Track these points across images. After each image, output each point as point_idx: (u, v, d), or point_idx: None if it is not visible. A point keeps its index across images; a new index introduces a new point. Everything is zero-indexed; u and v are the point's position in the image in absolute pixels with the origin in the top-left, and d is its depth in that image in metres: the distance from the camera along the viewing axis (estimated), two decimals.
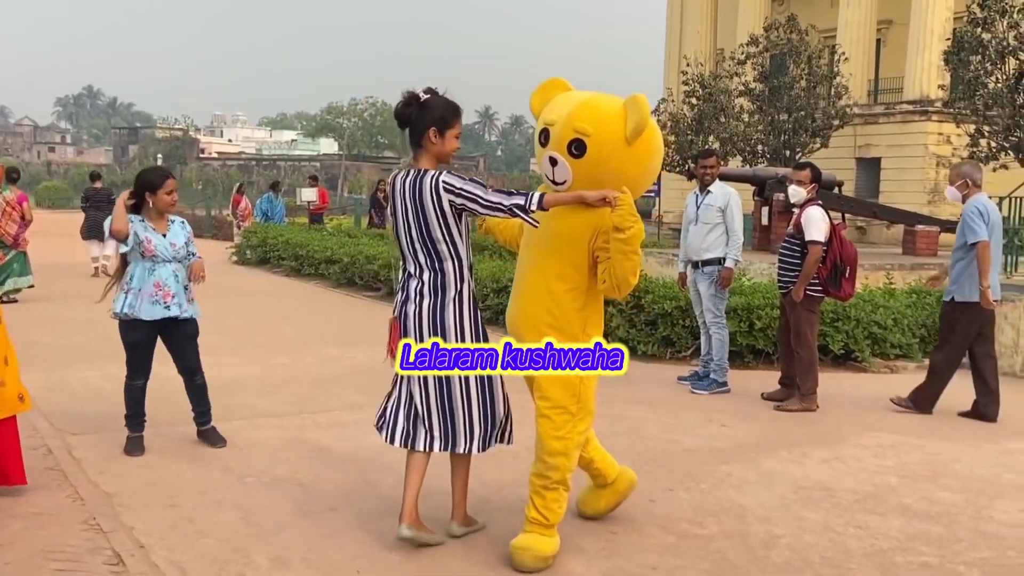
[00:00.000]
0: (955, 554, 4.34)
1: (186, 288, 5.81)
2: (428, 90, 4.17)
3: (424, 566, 4.06)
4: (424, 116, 4.07)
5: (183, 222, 5.93)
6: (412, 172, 4.09)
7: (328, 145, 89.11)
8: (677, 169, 31.08)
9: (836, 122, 31.73)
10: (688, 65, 33.15)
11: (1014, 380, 8.97)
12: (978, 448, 6.21)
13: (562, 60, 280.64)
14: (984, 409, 7.15)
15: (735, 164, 30.70)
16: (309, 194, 22.03)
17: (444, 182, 3.97)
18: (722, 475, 5.49)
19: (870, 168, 35.89)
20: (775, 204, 12.66)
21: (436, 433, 4.20)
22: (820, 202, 7.35)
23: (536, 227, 4.06)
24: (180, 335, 5.85)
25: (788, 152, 32.38)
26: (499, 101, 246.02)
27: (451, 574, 4.00)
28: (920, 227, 13.53)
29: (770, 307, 8.72)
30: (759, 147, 32.47)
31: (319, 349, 9.37)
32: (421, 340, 4.12)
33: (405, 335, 4.16)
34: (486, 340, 4.24)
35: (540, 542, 4.06)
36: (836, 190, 13.69)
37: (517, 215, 3.95)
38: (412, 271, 4.17)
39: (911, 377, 8.75)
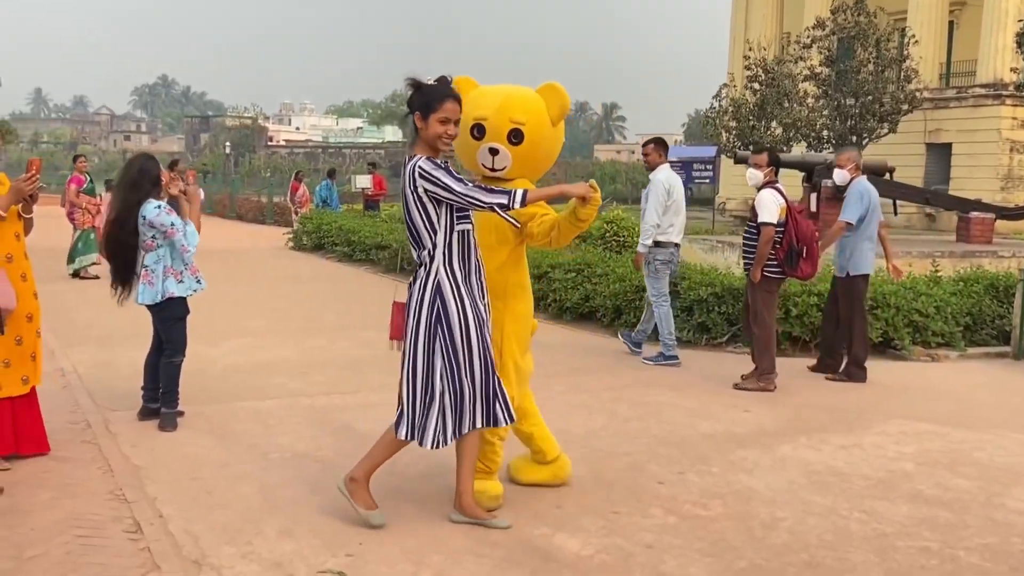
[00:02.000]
0: (958, 539, 4.31)
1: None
2: (440, 79, 4.30)
3: (423, 540, 4.18)
4: (413, 101, 4.19)
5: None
6: (406, 158, 4.23)
7: (393, 132, 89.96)
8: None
9: (905, 107, 30.99)
10: (751, 49, 32.71)
11: None
12: (1003, 437, 6.10)
13: (626, 46, 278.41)
14: (828, 362, 8.02)
15: (799, 150, 30.20)
16: (363, 181, 22.38)
17: (419, 167, 4.08)
18: (736, 459, 5.50)
19: (940, 154, 34.96)
20: (823, 190, 12.47)
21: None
22: (778, 185, 7.51)
23: (517, 226, 4.41)
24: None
25: (855, 138, 31.71)
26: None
27: (451, 550, 4.10)
28: (974, 214, 13.19)
29: (807, 293, 8.64)
30: (824, 132, 31.92)
31: (356, 333, 9.57)
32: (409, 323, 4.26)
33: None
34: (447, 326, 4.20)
35: (489, 486, 4.55)
36: (887, 176, 13.41)
37: (496, 212, 4.18)
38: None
39: (952, 366, 8.64)
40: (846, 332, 7.88)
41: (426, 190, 4.09)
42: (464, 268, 4.23)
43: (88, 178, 14.77)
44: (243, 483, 4.93)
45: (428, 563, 3.94)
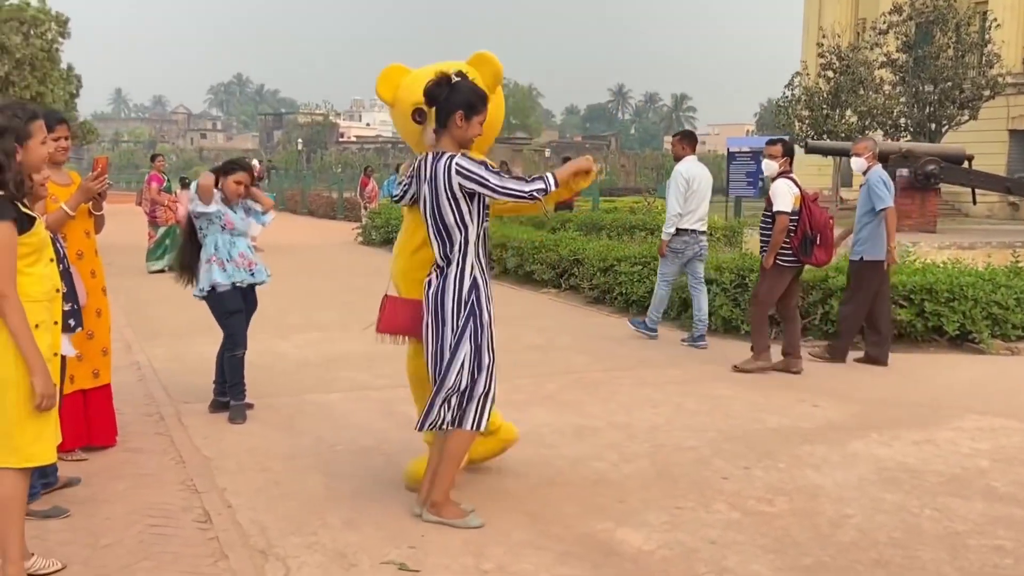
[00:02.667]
0: None
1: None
2: (459, 73, 4.27)
3: (484, 532, 4.20)
4: (454, 99, 4.17)
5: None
6: (432, 155, 4.21)
7: None
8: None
9: (987, 93, 30.04)
10: (824, 37, 32.05)
11: None
12: None
13: (696, 36, 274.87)
14: (874, 352, 7.96)
15: (876, 138, 29.51)
16: None
17: (457, 164, 4.09)
18: (803, 455, 5.40)
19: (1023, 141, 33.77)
20: (898, 180, 12.14)
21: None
22: (792, 175, 7.69)
23: (550, 214, 4.42)
24: (250, 304, 6.25)
25: (933, 125, 30.90)
26: (632, 79, 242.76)
27: (512, 543, 4.12)
28: None
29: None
30: (902, 120, 31.14)
31: None
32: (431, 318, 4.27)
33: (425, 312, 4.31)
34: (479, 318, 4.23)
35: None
36: (966, 164, 12.97)
37: (537, 199, 4.15)
38: (433, 250, 4.30)
39: None
40: (851, 314, 8.03)
41: (461, 186, 4.10)
42: (486, 263, 4.29)
43: (166, 177, 15.21)
44: (309, 475, 5.02)
45: (489, 555, 3.96)
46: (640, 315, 9.56)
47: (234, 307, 6.07)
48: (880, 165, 8.18)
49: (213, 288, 5.97)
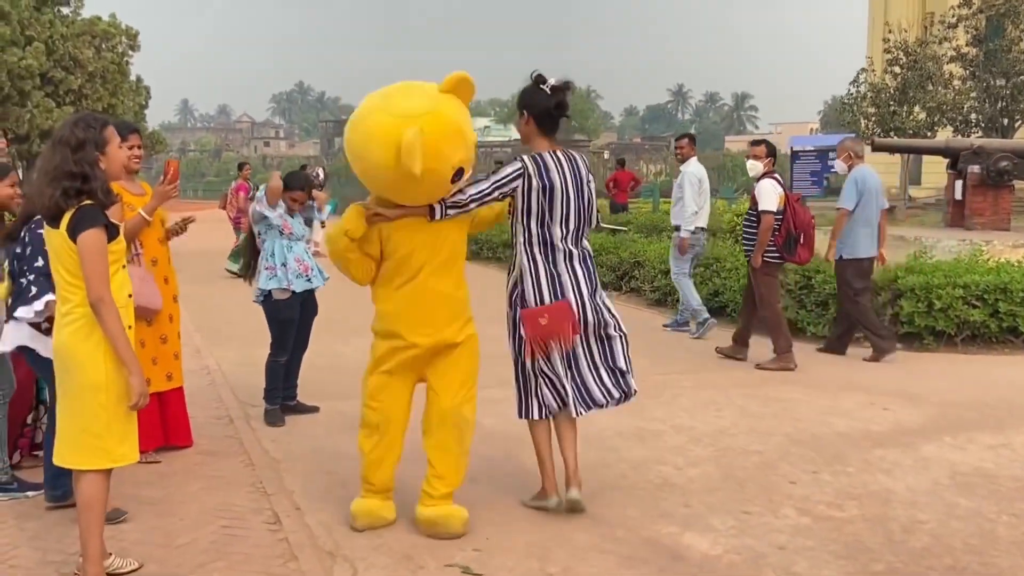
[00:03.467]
0: None
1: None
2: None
3: (549, 536, 4.20)
4: (566, 104, 4.28)
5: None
6: (568, 154, 4.34)
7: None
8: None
9: None
10: (891, 32, 31.44)
11: None
12: None
13: (763, 32, 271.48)
14: (837, 342, 8.34)
15: (945, 135, 28.79)
16: None
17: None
18: (873, 459, 5.30)
19: None
20: (970, 177, 11.84)
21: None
22: (776, 175, 7.95)
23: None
24: (309, 308, 6.35)
25: (1006, 120, 30.09)
26: (692, 78, 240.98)
27: (576, 546, 4.12)
28: None
29: (951, 286, 8.23)
30: (972, 116, 30.39)
31: (485, 328, 9.63)
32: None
33: None
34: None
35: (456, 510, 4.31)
36: None
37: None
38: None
39: None
40: (862, 313, 8.14)
41: None
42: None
43: (252, 185, 15.51)
44: None
45: (553, 559, 3.96)
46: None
47: (286, 315, 6.15)
48: (864, 165, 8.37)
49: (269, 294, 6.07)
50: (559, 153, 4.29)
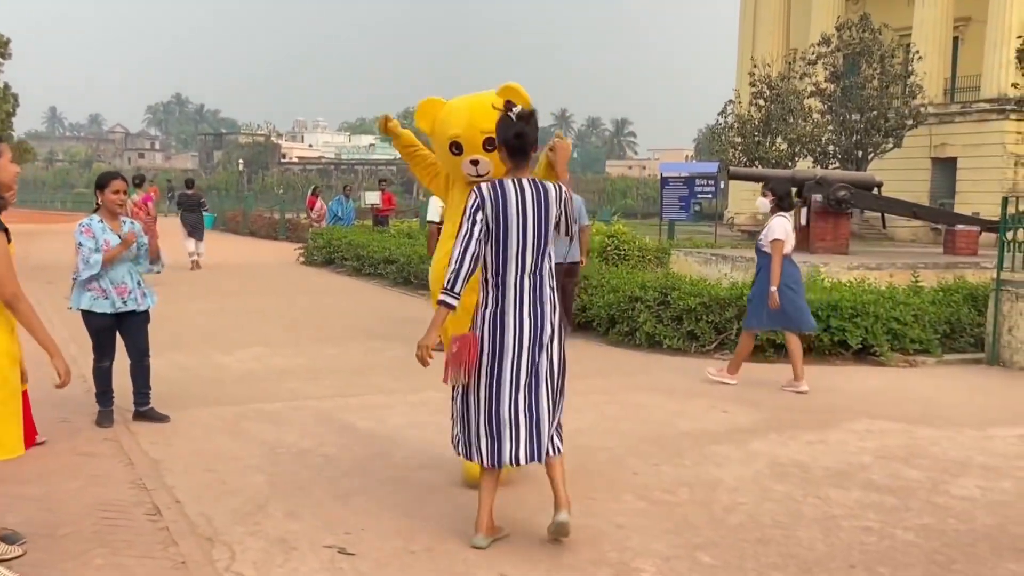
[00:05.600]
0: (898, 520, 4.74)
1: (139, 284, 6.52)
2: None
3: (415, 522, 4.63)
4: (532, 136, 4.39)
5: (133, 222, 6.62)
6: (533, 182, 4.29)
7: None
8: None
9: (910, 122, 31.42)
10: (755, 66, 33.18)
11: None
12: (961, 434, 6.52)
13: (637, 62, 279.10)
14: None
15: (805, 165, 30.60)
16: (372, 197, 22.98)
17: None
18: (709, 453, 5.94)
19: (946, 169, 35.30)
20: (813, 205, 12.92)
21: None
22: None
23: None
24: (135, 323, 6.53)
25: (860, 152, 32.13)
26: (574, 104, 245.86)
27: (438, 529, 4.56)
28: (960, 227, 13.60)
29: None
30: (830, 148, 32.33)
31: (365, 342, 10.05)
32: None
33: None
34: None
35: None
36: (876, 190, 13.84)
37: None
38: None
39: (928, 371, 9.05)
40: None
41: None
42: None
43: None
44: (253, 474, 5.40)
45: (417, 540, 4.40)
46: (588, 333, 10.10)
47: (95, 326, 6.44)
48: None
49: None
50: (523, 181, 4.26)
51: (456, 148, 5.02)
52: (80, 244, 6.27)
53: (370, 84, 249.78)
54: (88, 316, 6.38)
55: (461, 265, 4.18)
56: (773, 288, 7.88)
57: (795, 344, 8.06)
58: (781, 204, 8.32)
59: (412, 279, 15.46)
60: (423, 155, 5.55)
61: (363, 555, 4.23)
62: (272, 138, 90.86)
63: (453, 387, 4.40)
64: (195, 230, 18.71)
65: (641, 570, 4.12)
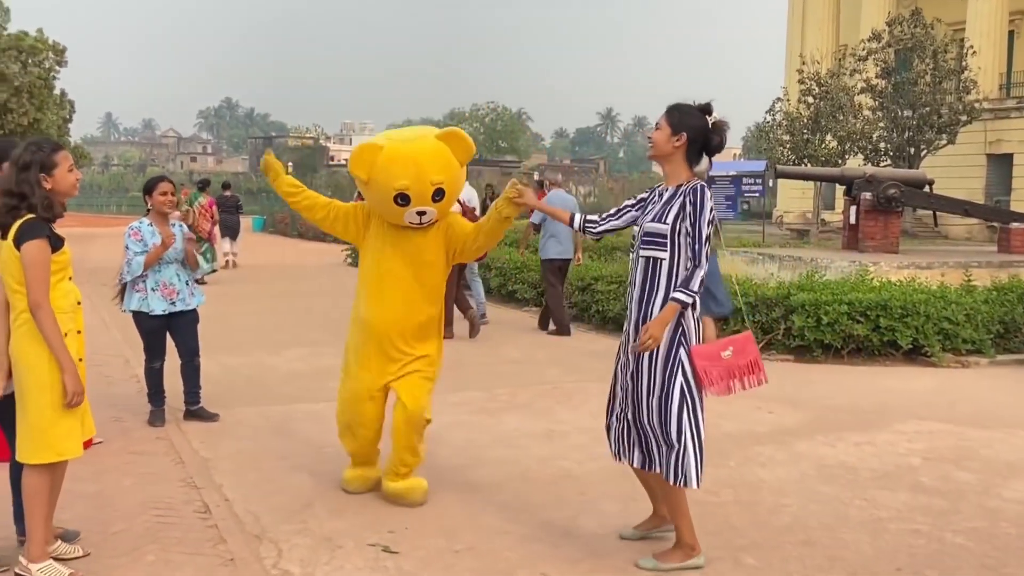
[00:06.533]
0: (948, 523, 4.67)
1: (187, 283, 6.65)
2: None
3: (457, 521, 4.67)
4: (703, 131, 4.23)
5: (181, 225, 6.75)
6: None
7: None
8: None
9: (964, 118, 30.84)
10: (804, 63, 32.78)
11: None
12: (1014, 435, 6.39)
13: (686, 61, 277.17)
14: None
15: (856, 163, 30.15)
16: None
17: None
18: (753, 455, 5.90)
19: (1001, 165, 34.57)
20: (862, 203, 12.73)
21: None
22: None
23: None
24: (184, 323, 6.65)
25: (912, 149, 31.60)
26: (621, 103, 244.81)
27: (481, 529, 4.59)
28: (1015, 225, 13.30)
29: (838, 303, 8.95)
30: (881, 145, 31.83)
31: None
32: None
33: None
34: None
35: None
36: (927, 188, 13.59)
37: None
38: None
39: (981, 372, 8.89)
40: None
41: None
42: None
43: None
44: (299, 473, 5.48)
45: (460, 539, 4.44)
46: (616, 331, 10.07)
47: (149, 326, 6.56)
48: (559, 190, 11.41)
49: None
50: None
51: (401, 200, 4.65)
52: (127, 247, 6.43)
53: (415, 86, 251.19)
54: (138, 317, 6.53)
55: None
56: None
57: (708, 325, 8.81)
58: None
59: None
60: (313, 198, 5.12)
61: (406, 553, 4.27)
62: (320, 141, 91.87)
63: (668, 402, 4.08)
64: (231, 231, 19.37)
65: (684, 571, 4.10)
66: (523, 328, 11.43)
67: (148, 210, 6.57)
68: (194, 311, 6.69)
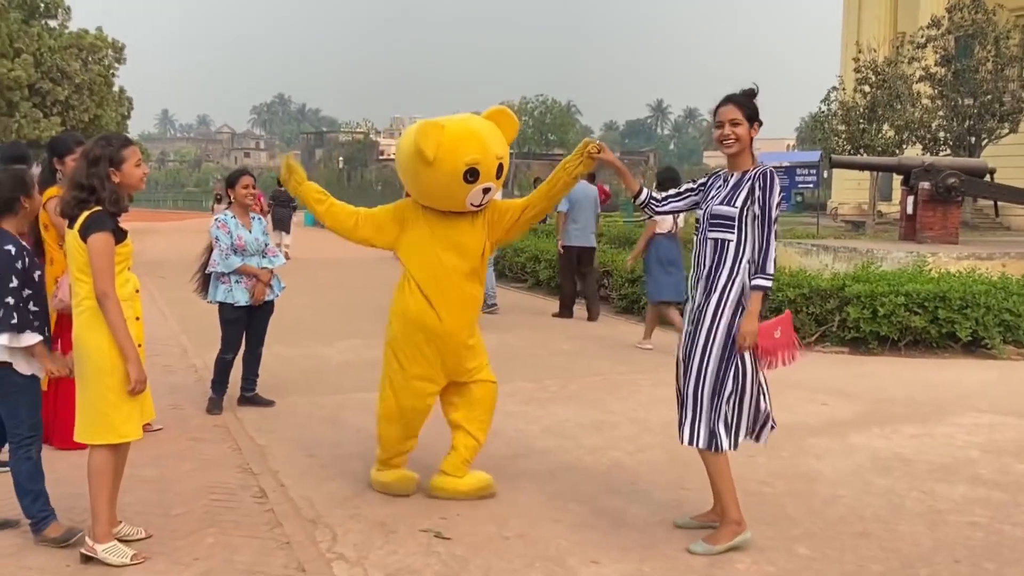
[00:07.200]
0: (1007, 516, 4.58)
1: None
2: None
3: (508, 508, 4.70)
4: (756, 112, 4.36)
5: (261, 219, 6.94)
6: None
7: None
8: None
9: None
10: (860, 52, 32.20)
11: None
12: None
13: (738, 50, 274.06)
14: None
15: (914, 152, 29.58)
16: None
17: None
18: (806, 446, 5.84)
19: None
20: (921, 193, 12.48)
21: None
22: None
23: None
24: (261, 315, 6.85)
25: (972, 139, 30.88)
26: (671, 95, 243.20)
27: (531, 516, 4.61)
28: None
29: (894, 294, 8.81)
30: (940, 134, 31.17)
31: None
32: None
33: None
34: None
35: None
36: (988, 177, 13.28)
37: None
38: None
39: None
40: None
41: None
42: None
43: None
44: (352, 460, 5.55)
45: (511, 526, 4.47)
46: (663, 325, 10.02)
47: (232, 316, 6.74)
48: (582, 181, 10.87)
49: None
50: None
51: (471, 175, 4.51)
52: (217, 239, 6.63)
53: (463, 80, 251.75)
54: (223, 308, 6.71)
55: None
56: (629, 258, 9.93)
57: (651, 311, 9.40)
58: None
59: (507, 272, 15.58)
60: (340, 206, 4.92)
61: (458, 539, 4.31)
62: (371, 135, 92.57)
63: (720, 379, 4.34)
64: (283, 223, 20.26)
65: (736, 560, 4.09)
66: (573, 320, 11.43)
67: (230, 202, 6.78)
68: (271, 303, 6.89)
